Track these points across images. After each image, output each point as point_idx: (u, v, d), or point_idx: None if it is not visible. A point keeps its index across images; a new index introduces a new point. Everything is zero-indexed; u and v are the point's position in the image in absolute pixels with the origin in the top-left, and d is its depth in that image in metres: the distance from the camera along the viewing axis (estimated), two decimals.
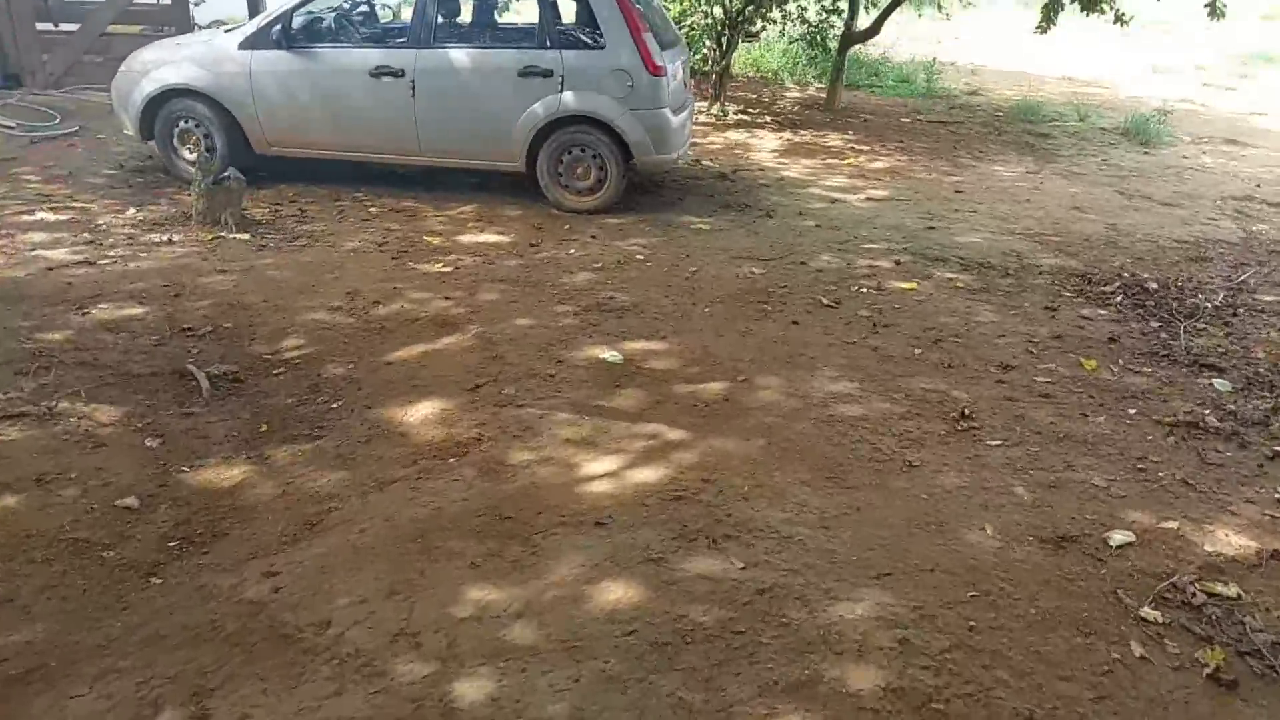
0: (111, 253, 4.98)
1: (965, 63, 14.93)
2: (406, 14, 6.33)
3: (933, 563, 2.65)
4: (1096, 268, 5.58)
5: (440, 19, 6.10)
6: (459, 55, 5.94)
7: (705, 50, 9.88)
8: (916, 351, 4.21)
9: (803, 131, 9.34)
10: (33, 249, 4.95)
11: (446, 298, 4.61)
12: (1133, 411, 3.71)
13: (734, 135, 9.04)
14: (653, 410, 3.55)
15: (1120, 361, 4.21)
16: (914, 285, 5.10)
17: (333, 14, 6.29)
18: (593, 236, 5.71)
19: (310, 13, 6.10)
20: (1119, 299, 5.02)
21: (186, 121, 6.16)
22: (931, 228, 6.28)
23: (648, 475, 3.06)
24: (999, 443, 3.40)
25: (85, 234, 5.24)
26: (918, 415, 3.59)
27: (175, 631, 2.35)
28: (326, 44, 6.04)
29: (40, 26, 8.22)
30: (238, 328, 4.18)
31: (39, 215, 5.51)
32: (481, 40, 6.41)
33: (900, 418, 3.56)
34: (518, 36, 6.47)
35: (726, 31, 9.71)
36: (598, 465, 3.13)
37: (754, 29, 10.42)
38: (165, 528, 2.80)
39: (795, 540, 2.72)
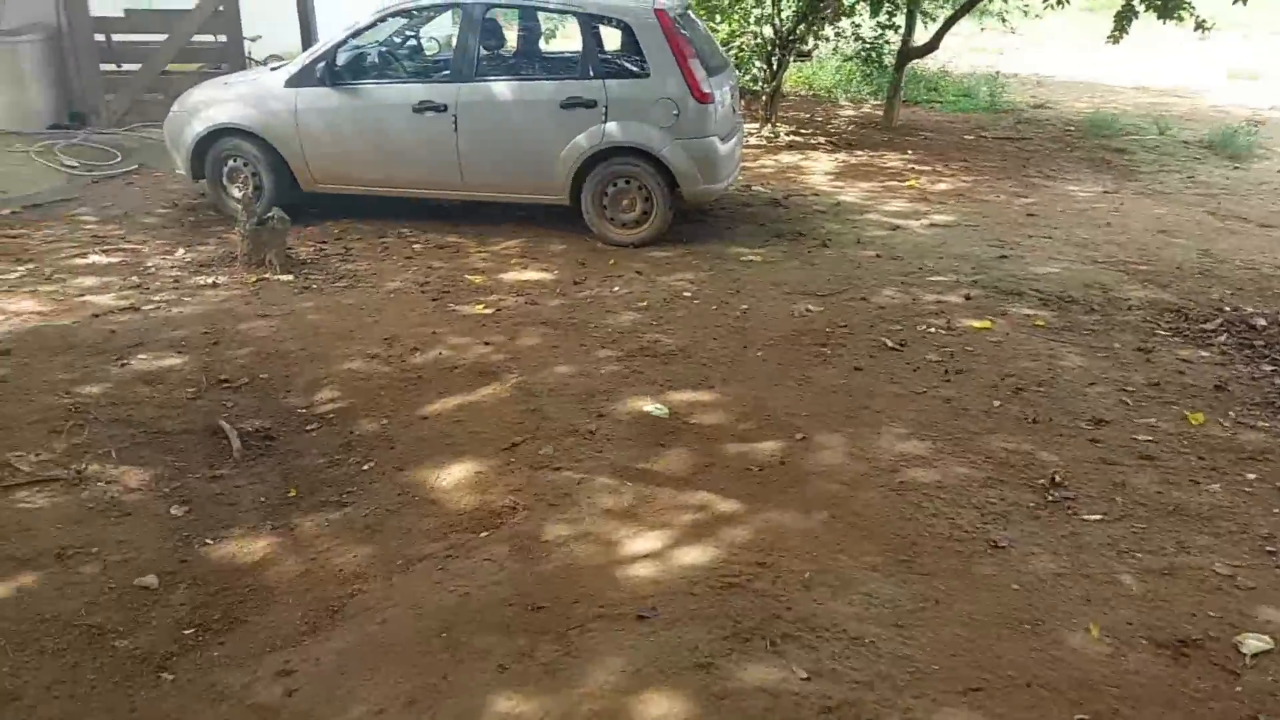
0: (156, 297, 4.92)
1: (1030, 74, 14.38)
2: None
3: (1030, 674, 2.33)
4: (1192, 301, 5.14)
5: (483, 51, 5.97)
6: (501, 88, 5.79)
7: (755, 70, 9.61)
8: (995, 403, 3.86)
9: (859, 152, 9.01)
10: (82, 294, 4.92)
11: (486, 343, 4.43)
12: (1252, 477, 3.31)
13: (786, 158, 8.75)
14: (701, 475, 3.29)
15: (1231, 414, 3.80)
16: (988, 324, 4.75)
17: (377, 49, 6.21)
18: (638, 272, 5.49)
19: (355, 48, 6.02)
20: (1222, 338, 4.58)
21: (235, 160, 6.13)
22: (1004, 256, 5.90)
23: (695, 556, 2.80)
24: (1098, 517, 3.05)
25: (134, 277, 5.21)
26: (1001, 482, 3.25)
27: None
28: (370, 80, 5.96)
29: (104, 67, 8.36)
30: (274, 379, 4.05)
31: (92, 258, 5.50)
32: (524, 71, 6.26)
33: (981, 485, 3.23)
34: (561, 66, 6.30)
35: (777, 51, 9.44)
36: (640, 542, 2.88)
37: (806, 48, 10.12)
38: (182, 612, 2.64)
39: (865, 642, 2.43)
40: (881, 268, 5.65)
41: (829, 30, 10.00)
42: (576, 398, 3.87)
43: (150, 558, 2.85)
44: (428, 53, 6.59)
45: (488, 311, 4.86)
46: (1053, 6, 9.76)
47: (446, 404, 3.84)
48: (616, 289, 5.21)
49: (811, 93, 12.38)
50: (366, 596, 2.69)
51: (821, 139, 9.52)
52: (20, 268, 5.25)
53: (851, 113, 11.24)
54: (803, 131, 9.81)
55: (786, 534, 2.92)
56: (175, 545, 2.92)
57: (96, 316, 4.62)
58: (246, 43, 8.81)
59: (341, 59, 5.91)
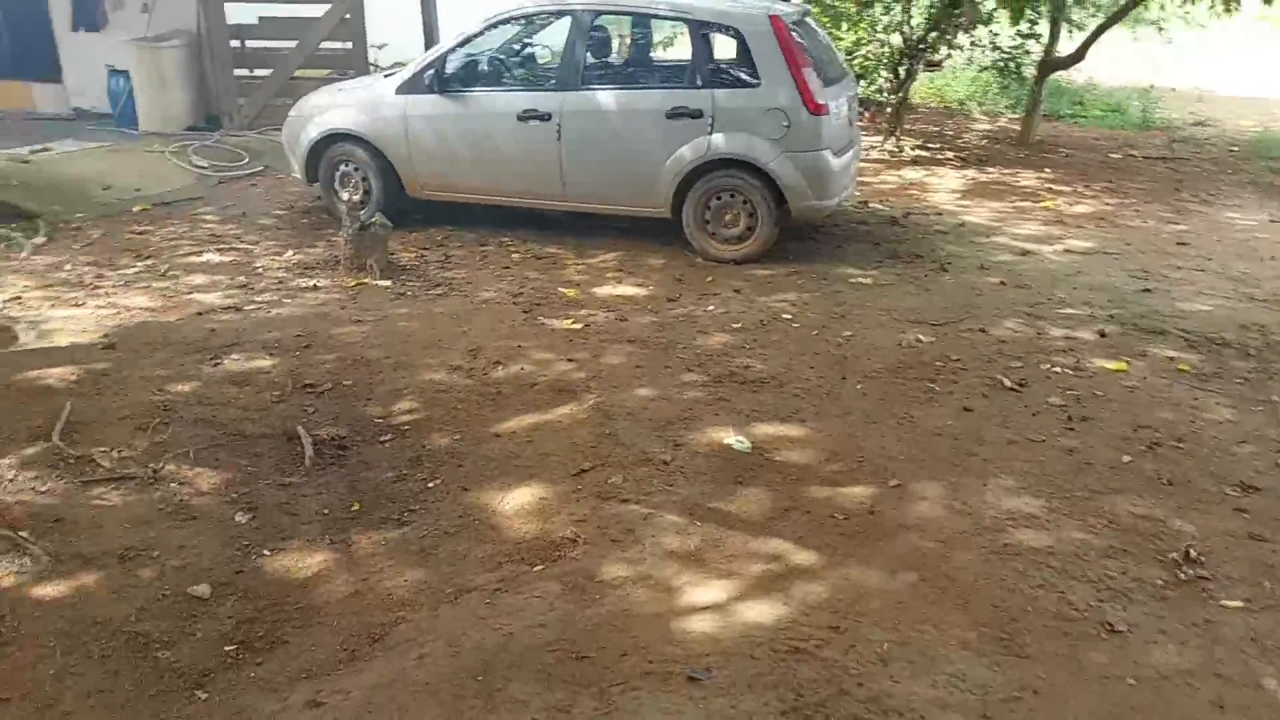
0: (259, 298, 5.03)
1: (1190, 88, 13.24)
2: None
3: None
4: None
5: (590, 59, 5.86)
6: (606, 97, 5.66)
7: (881, 80, 9.16)
8: (1125, 459, 3.41)
9: (990, 169, 8.43)
10: (191, 292, 5.08)
11: (570, 359, 4.28)
12: None
13: (910, 173, 8.28)
14: (779, 520, 3.02)
15: None
16: (1123, 365, 4.25)
17: (485, 57, 6.20)
18: (736, 290, 5.23)
19: (464, 56, 6.03)
20: None
21: (347, 165, 6.25)
22: (1147, 290, 5.32)
23: (761, 613, 2.54)
24: (1239, 604, 2.60)
25: (241, 277, 5.35)
26: (1124, 553, 2.83)
27: None
28: (476, 88, 5.95)
29: (238, 72, 8.77)
30: (357, 385, 4.02)
31: (206, 257, 5.71)
32: (630, 80, 6.10)
33: (1100, 555, 2.82)
34: (668, 75, 6.11)
35: (905, 60, 8.96)
36: (702, 592, 2.65)
37: (937, 57, 9.58)
38: (228, 626, 2.58)
39: None
40: (1005, 297, 5.19)
41: (963, 39, 9.43)
42: (654, 424, 3.66)
43: (207, 566, 2.82)
44: (535, 61, 6.54)
45: (576, 327, 4.71)
46: (1219, 15, 8.89)
47: (521, 422, 3.70)
48: (711, 308, 4.97)
49: (942, 104, 11.77)
50: (409, 626, 2.56)
51: (950, 154, 8.98)
52: (139, 263, 5.48)
53: (985, 126, 10.60)
54: (930, 146, 9.29)
55: (867, 595, 2.62)
56: (233, 554, 2.88)
57: (200, 314, 4.74)
58: (372, 50, 9.06)
59: (450, 66, 5.93)
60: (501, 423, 3.70)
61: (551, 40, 6.46)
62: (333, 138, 6.16)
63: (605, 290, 5.27)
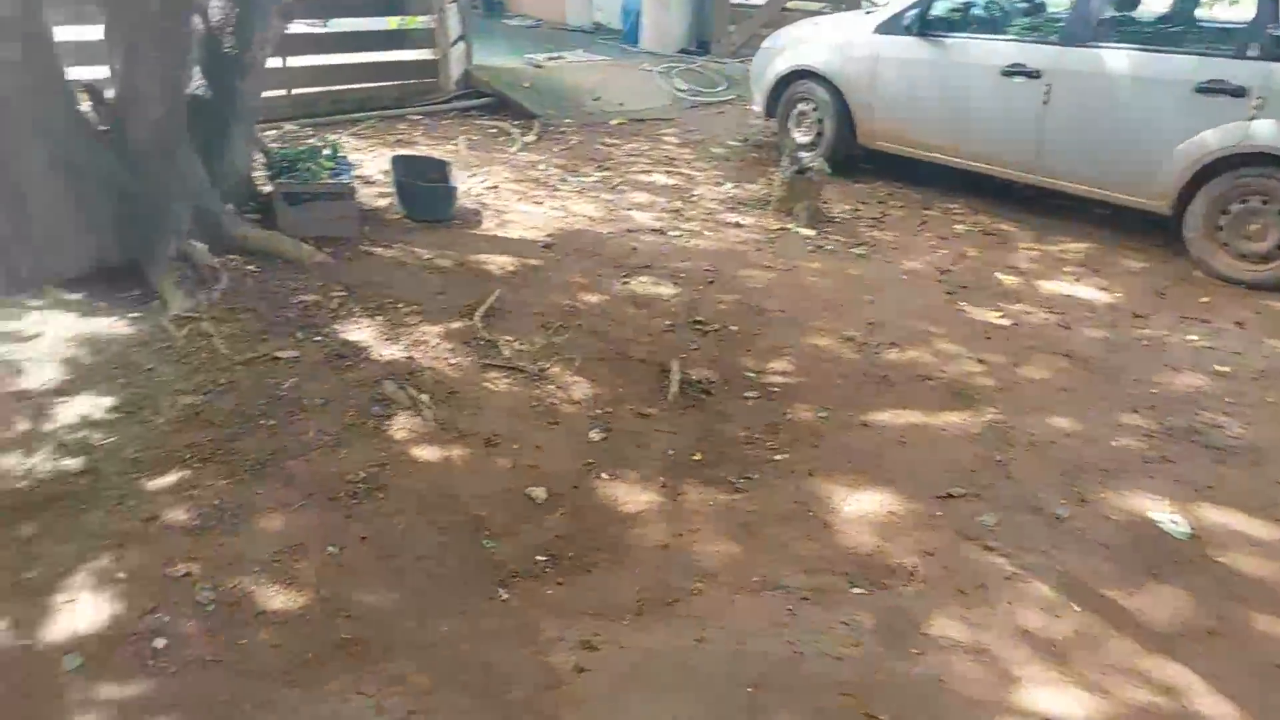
0: (684, 225, 5.14)
1: None
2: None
3: None
4: None
5: (1105, 9, 4.85)
6: (1116, 58, 4.66)
7: None
8: None
9: None
10: (630, 208, 5.37)
11: (980, 360, 3.68)
12: None
13: None
14: (1193, 643, 2.25)
15: None
16: None
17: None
18: (1237, 323, 4.06)
19: None
20: None
21: (805, 103, 6.07)
22: None
23: None
24: None
25: (677, 202, 5.52)
26: None
27: (474, 671, 2.15)
28: (960, 34, 5.30)
29: (734, 0, 9.00)
30: (741, 333, 3.90)
31: (653, 177, 5.99)
32: (1153, 40, 4.92)
33: None
34: (1209, 39, 4.81)
35: None
36: (1049, 697, 2.07)
37: None
38: (547, 536, 2.65)
39: None
40: None
41: None
42: (1061, 465, 2.98)
43: (552, 470, 2.92)
44: (1037, 7, 5.62)
45: (1003, 322, 4.05)
46: None
47: (897, 417, 3.27)
48: (1193, 338, 3.93)
49: None
50: (703, 602, 2.40)
51: None
52: (597, 173, 5.93)
53: None
54: None
55: None
56: (577, 469, 2.95)
57: (629, 231, 4.98)
58: None
59: (938, 7, 5.35)
60: (876, 411, 3.31)
61: None
62: (798, 74, 6.00)
63: (1054, 286, 4.45)
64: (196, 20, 4.44)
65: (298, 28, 7.25)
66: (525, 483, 2.85)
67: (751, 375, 3.57)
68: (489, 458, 2.96)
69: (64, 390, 3.10)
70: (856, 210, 5.52)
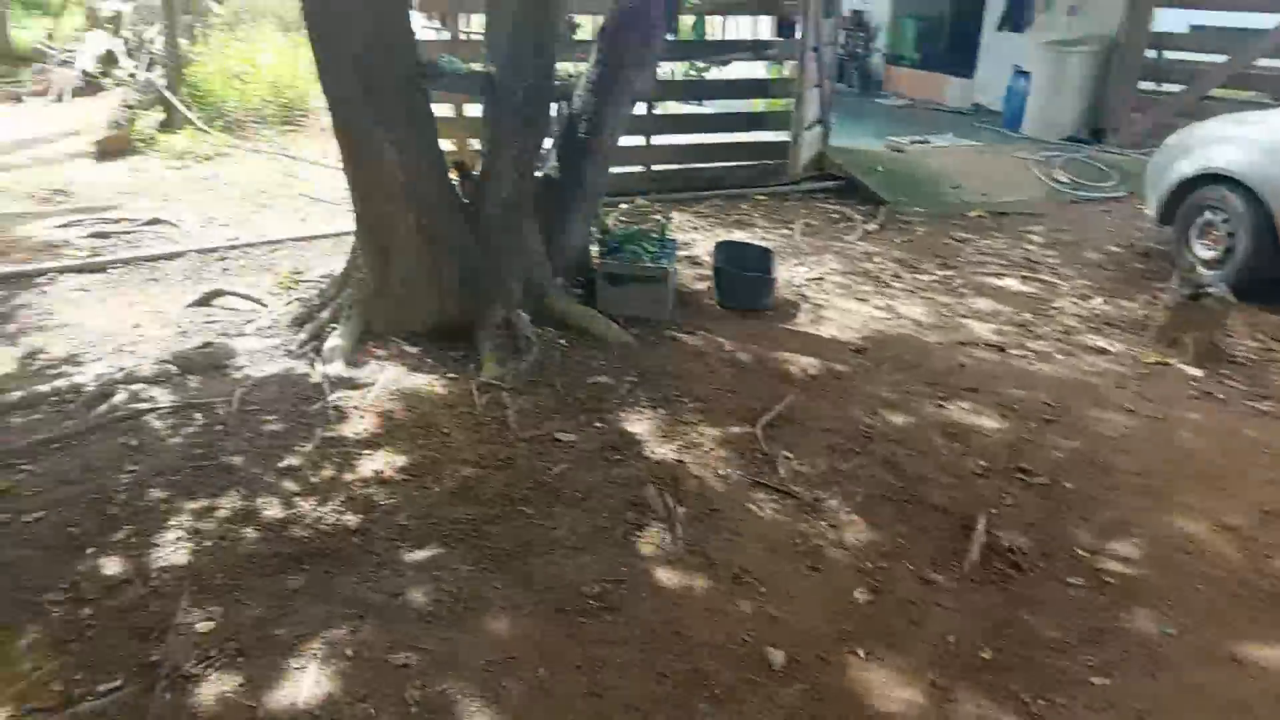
0: (1032, 345, 4.42)
1: None
2: None
3: None
4: None
5: None
6: None
7: None
8: None
9: None
10: (967, 315, 4.77)
11: None
12: None
13: None
14: None
15: None
16: None
17: None
18: None
19: None
20: None
21: (1213, 212, 4.98)
22: None
23: None
24: None
25: (1027, 314, 4.80)
26: None
27: None
28: None
29: (1142, 85, 7.83)
30: (1078, 494, 3.19)
31: (1005, 281, 5.30)
32: None
33: None
34: None
35: None
36: None
37: None
38: (775, 717, 2.27)
39: None
40: None
41: None
42: None
43: (798, 629, 2.53)
44: None
45: None
46: None
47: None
48: None
49: None
50: None
51: None
52: (938, 272, 5.36)
53: None
54: None
55: None
56: (830, 635, 2.53)
57: (961, 344, 4.39)
58: None
59: None
60: (1253, 644, 2.46)
61: None
62: (1207, 178, 4.95)
63: None
64: (562, 106, 4.77)
65: (673, 107, 7.65)
66: (765, 639, 2.50)
67: (1082, 555, 2.86)
68: (732, 598, 2.66)
69: (371, 443, 3.36)
70: (1269, 350, 4.37)
